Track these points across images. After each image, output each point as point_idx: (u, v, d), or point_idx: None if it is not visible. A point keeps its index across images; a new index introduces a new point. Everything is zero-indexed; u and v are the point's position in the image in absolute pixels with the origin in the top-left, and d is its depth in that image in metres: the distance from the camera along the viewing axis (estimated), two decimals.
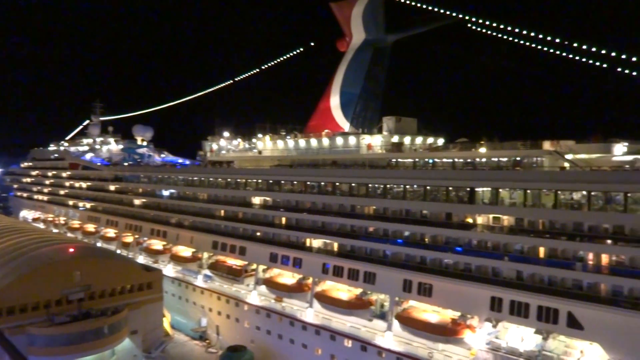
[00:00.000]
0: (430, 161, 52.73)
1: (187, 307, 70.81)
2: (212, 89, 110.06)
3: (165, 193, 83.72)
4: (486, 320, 40.99)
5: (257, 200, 66.75)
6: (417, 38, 76.19)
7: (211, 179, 74.93)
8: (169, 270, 74.57)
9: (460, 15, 59.56)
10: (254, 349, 58.29)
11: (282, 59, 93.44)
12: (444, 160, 51.42)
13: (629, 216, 35.82)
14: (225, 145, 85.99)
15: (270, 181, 64.72)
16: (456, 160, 50.13)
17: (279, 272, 61.01)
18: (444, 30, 73.79)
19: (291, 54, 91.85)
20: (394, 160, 56.01)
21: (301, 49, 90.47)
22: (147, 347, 56.33)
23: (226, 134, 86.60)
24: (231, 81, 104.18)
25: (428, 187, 47.82)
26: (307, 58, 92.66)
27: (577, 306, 36.39)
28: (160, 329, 59.70)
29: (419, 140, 63.04)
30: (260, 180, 66.56)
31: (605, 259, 36.79)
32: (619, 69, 44.82)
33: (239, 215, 68.43)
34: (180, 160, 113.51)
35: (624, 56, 44.05)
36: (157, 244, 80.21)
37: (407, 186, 49.74)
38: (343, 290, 53.28)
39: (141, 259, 79.73)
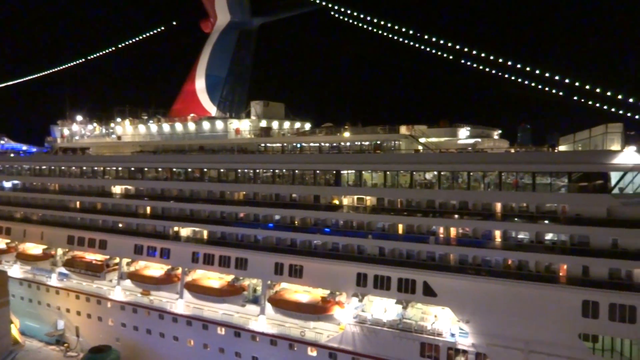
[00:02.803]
0: (298, 145, 53.83)
1: (40, 310, 64.65)
2: (61, 67, 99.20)
3: (7, 184, 74.57)
4: (353, 295, 43.47)
5: (117, 189, 62.51)
6: (282, 23, 76.60)
7: (63, 168, 68.40)
8: (16, 271, 67.16)
9: (324, 3, 61.01)
10: (120, 347, 55.35)
11: (141, 37, 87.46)
12: (311, 144, 52.82)
13: (472, 193, 40.38)
14: (78, 130, 78.51)
15: (132, 168, 60.95)
16: (322, 144, 51.82)
17: (145, 264, 58.25)
18: (309, 17, 75.14)
19: (151, 33, 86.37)
20: (263, 145, 56.14)
21: (162, 28, 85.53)
22: None
23: (79, 117, 79.14)
24: (83, 60, 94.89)
25: (296, 171, 48.91)
26: (169, 38, 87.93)
27: (431, 276, 40.26)
28: (6, 338, 53.56)
29: (286, 125, 63.90)
30: (120, 168, 62.34)
31: (453, 231, 41.15)
32: (463, 61, 49.79)
33: (97, 206, 63.60)
34: (24, 148, 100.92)
35: (466, 49, 48.96)
36: None
37: (276, 170, 50.34)
38: (214, 278, 52.57)
39: None
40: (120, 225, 60.94)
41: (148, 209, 59.19)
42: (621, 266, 34.41)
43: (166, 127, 66.02)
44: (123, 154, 66.30)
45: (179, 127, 64.93)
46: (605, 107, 41.80)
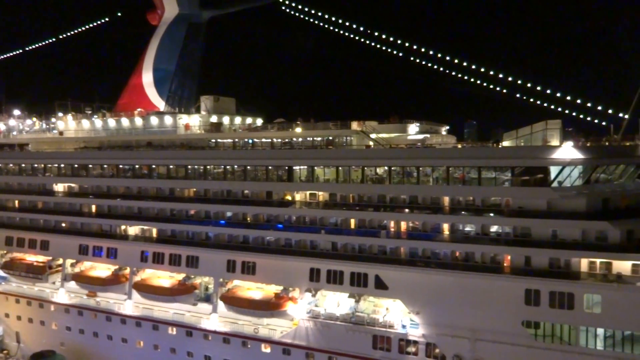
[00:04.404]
0: (250, 141, 53.31)
1: None
2: None
3: None
4: (306, 290, 43.59)
5: (60, 187, 59.84)
6: (233, 16, 75.39)
7: (0, 165, 64.74)
8: None
9: None
10: (65, 352, 53.39)
11: (84, 28, 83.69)
12: (263, 140, 52.44)
13: (421, 187, 41.33)
14: (16, 125, 74.55)
15: (76, 165, 58.49)
16: (274, 140, 51.55)
17: (91, 265, 56.17)
18: (260, 11, 74.37)
19: (95, 24, 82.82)
20: (214, 140, 55.22)
21: (106, 19, 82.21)
22: None
23: (17, 112, 75.20)
24: (21, 50, 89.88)
25: (248, 167, 48.43)
26: (115, 29, 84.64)
27: (383, 269, 40.93)
28: None
29: (237, 120, 63.01)
30: (62, 165, 59.69)
31: (403, 225, 41.94)
32: (412, 58, 50.85)
33: (38, 205, 60.64)
34: None
35: (415, 47, 50.01)
36: None
37: (228, 166, 49.66)
38: (164, 277, 51.36)
39: None
40: (63, 224, 58.43)
41: (93, 208, 57.04)
42: (560, 256, 36.17)
43: (112, 122, 63.63)
44: (66, 150, 63.53)
45: (125, 122, 62.75)
46: (545, 105, 43.88)
